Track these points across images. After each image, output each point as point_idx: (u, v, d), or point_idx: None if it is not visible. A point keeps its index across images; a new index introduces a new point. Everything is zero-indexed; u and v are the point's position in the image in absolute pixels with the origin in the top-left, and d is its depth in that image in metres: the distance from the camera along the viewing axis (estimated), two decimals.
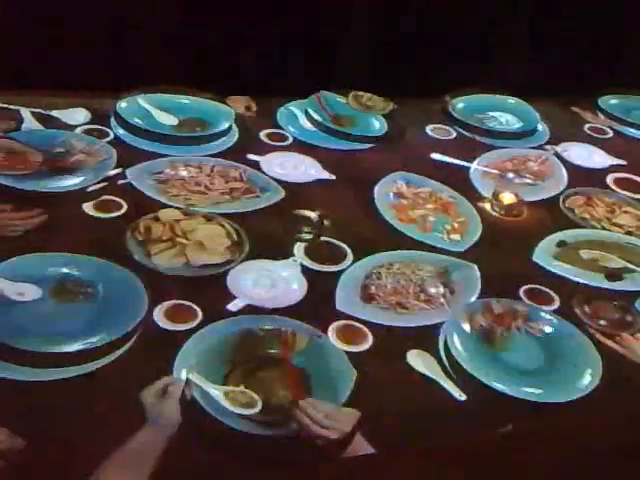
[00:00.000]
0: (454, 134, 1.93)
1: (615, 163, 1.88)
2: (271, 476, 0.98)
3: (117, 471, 0.97)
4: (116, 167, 1.56)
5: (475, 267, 1.42)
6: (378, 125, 1.91)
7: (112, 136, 1.68)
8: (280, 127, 1.84)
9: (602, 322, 1.33)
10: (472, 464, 1.01)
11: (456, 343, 1.24)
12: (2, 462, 0.96)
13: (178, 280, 1.32)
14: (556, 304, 1.38)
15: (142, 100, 1.80)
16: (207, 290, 1.31)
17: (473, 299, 1.36)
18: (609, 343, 1.29)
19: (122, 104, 1.76)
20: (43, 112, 1.72)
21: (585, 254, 1.47)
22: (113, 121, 1.73)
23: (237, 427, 1.06)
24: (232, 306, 1.28)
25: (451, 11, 2.23)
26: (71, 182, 1.50)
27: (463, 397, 1.18)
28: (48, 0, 1.88)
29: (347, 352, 1.21)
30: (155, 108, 1.79)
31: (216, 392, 1.07)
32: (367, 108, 1.97)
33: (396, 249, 1.46)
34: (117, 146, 1.63)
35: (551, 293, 1.40)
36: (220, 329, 1.21)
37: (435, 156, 1.81)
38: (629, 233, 1.60)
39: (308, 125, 1.87)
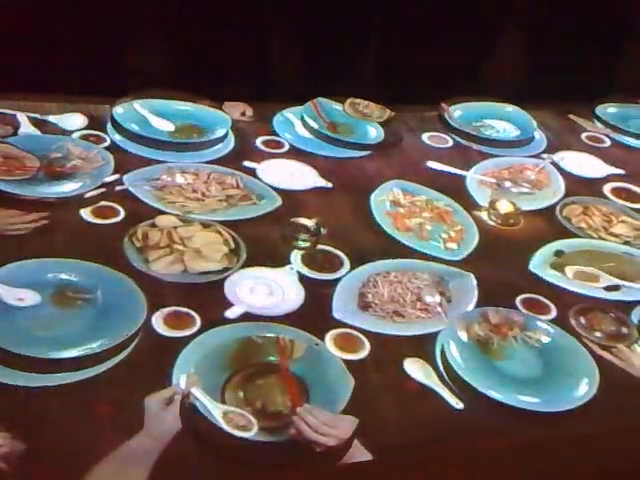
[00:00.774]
0: (451, 142, 1.94)
1: (613, 172, 1.88)
2: None
3: (111, 474, 0.97)
4: (113, 173, 1.56)
5: (472, 276, 1.43)
6: (375, 133, 1.91)
7: (109, 142, 1.68)
8: (276, 134, 1.84)
9: (598, 334, 1.34)
10: (469, 472, 1.02)
11: (453, 352, 1.24)
12: (4, 465, 0.96)
13: (176, 287, 1.31)
14: (553, 314, 1.38)
15: (138, 106, 1.80)
16: (205, 297, 1.30)
17: (470, 308, 1.36)
18: (606, 355, 1.30)
19: (118, 109, 1.76)
20: (39, 117, 1.71)
21: (570, 270, 1.48)
22: (110, 127, 1.72)
23: (235, 433, 1.06)
24: (230, 313, 1.28)
25: (449, 17, 2.24)
26: (69, 188, 1.49)
27: (460, 405, 1.18)
28: (43, 3, 1.89)
29: (344, 360, 1.21)
30: (151, 114, 1.79)
31: (215, 410, 1.07)
32: (364, 115, 1.98)
33: (393, 257, 1.46)
34: (114, 152, 1.63)
35: (548, 303, 1.41)
36: (218, 336, 1.21)
37: (431, 164, 1.81)
38: (626, 243, 1.60)
39: (304, 132, 1.87)
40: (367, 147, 1.85)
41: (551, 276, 1.48)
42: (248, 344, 1.20)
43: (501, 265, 1.50)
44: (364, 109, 2.00)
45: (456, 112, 2.03)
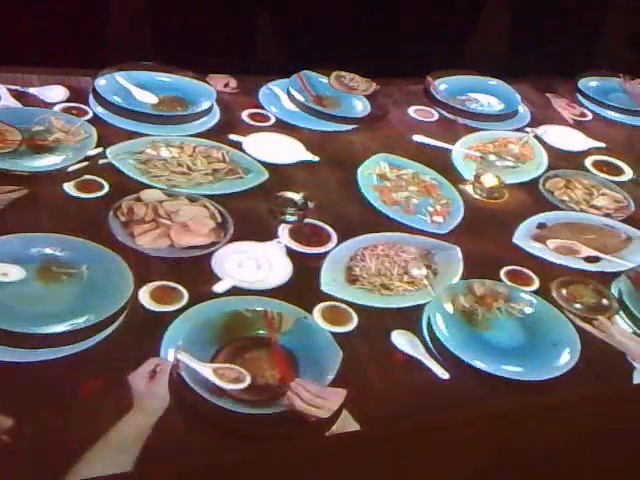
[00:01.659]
0: (436, 116, 1.94)
1: (594, 145, 1.90)
2: (258, 452, 1.00)
3: (105, 456, 0.98)
4: (96, 146, 1.54)
5: (457, 249, 1.44)
6: (361, 106, 1.90)
7: (91, 114, 1.65)
8: (262, 107, 1.83)
9: (579, 306, 1.36)
10: (455, 440, 1.04)
11: (439, 323, 1.26)
12: None
13: (162, 261, 1.31)
14: (536, 285, 1.41)
15: (120, 78, 1.77)
16: (192, 272, 1.30)
17: (455, 280, 1.38)
18: (586, 327, 1.32)
19: (100, 82, 1.73)
20: (20, 89, 1.67)
21: (552, 243, 1.50)
22: (91, 99, 1.70)
23: (225, 406, 1.07)
24: (217, 287, 1.28)
25: None
26: (52, 161, 1.47)
27: (446, 376, 1.20)
28: None
29: (332, 332, 1.22)
30: (134, 86, 1.76)
31: (205, 369, 1.08)
32: (349, 89, 1.97)
33: (380, 231, 1.47)
34: (96, 124, 1.60)
35: (531, 274, 1.43)
36: (206, 310, 1.21)
37: (417, 138, 1.82)
38: (607, 215, 1.63)
39: (290, 105, 1.86)
40: (353, 120, 1.84)
41: (534, 248, 1.50)
42: (236, 318, 1.21)
43: (486, 238, 1.52)
44: (350, 82, 1.99)
45: (441, 86, 2.03)
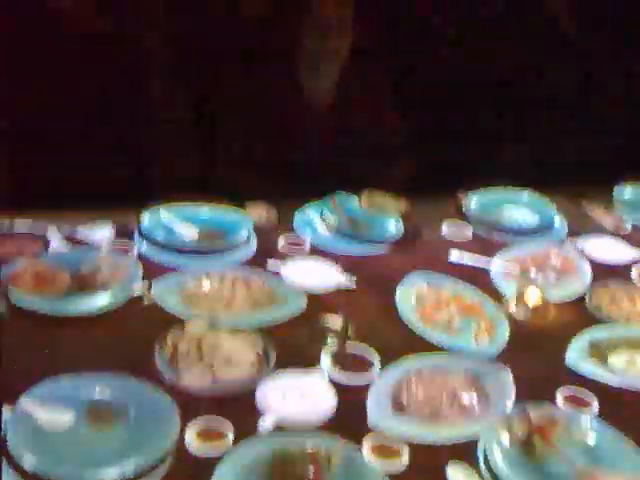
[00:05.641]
0: (470, 232, 1.95)
1: (638, 256, 1.87)
2: None
3: None
4: (141, 283, 1.58)
5: (508, 371, 1.40)
6: (394, 227, 1.93)
7: (136, 251, 1.72)
8: (297, 233, 1.87)
9: None
10: None
11: (496, 455, 1.20)
12: None
13: (207, 397, 1.30)
14: (595, 407, 1.34)
15: (164, 213, 1.84)
16: (237, 407, 1.28)
17: (508, 405, 1.32)
18: None
19: (144, 219, 1.81)
20: (68, 230, 1.75)
21: (616, 359, 1.45)
22: (137, 236, 1.76)
23: None
24: (263, 423, 1.25)
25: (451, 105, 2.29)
26: (100, 302, 1.51)
27: None
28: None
29: (383, 468, 1.17)
30: (176, 221, 1.83)
31: None
32: (381, 209, 2.00)
33: (423, 355, 1.44)
34: (142, 261, 1.66)
35: (589, 396, 1.36)
36: (252, 449, 1.18)
37: (453, 256, 1.81)
38: None
39: (324, 229, 1.89)
40: (387, 242, 1.87)
41: (589, 368, 1.43)
42: (284, 456, 1.17)
43: (535, 358, 1.47)
44: (381, 202, 2.03)
45: (473, 201, 2.05)
